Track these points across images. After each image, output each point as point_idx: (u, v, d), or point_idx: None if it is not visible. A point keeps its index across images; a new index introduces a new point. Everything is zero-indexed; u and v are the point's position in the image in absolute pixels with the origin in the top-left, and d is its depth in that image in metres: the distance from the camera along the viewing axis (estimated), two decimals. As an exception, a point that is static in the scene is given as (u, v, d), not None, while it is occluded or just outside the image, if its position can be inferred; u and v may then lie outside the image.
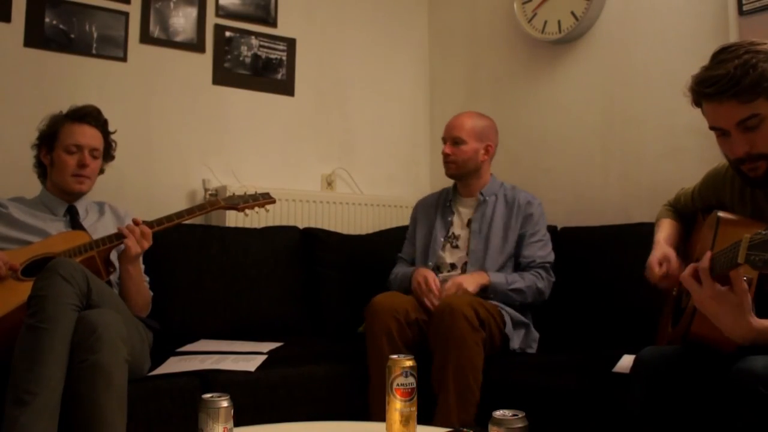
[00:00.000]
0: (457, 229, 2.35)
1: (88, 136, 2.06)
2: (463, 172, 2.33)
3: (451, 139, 2.31)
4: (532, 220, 2.27)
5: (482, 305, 2.01)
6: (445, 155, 2.32)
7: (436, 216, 2.40)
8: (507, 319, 2.09)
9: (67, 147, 2.03)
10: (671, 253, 1.60)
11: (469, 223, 2.32)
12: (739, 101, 1.27)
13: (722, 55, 1.30)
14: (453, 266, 2.29)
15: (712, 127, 1.36)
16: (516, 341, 2.11)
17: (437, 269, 2.30)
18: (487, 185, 2.35)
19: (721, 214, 1.43)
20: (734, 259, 1.10)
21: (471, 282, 2.11)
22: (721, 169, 1.57)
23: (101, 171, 2.16)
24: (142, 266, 2.05)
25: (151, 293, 2.08)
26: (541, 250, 2.25)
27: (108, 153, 2.16)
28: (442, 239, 2.34)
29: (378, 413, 1.86)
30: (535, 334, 2.19)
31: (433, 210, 2.43)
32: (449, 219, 2.37)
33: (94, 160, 2.07)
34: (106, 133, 2.14)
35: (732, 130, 1.31)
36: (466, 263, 2.26)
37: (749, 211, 1.45)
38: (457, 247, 2.31)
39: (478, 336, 1.92)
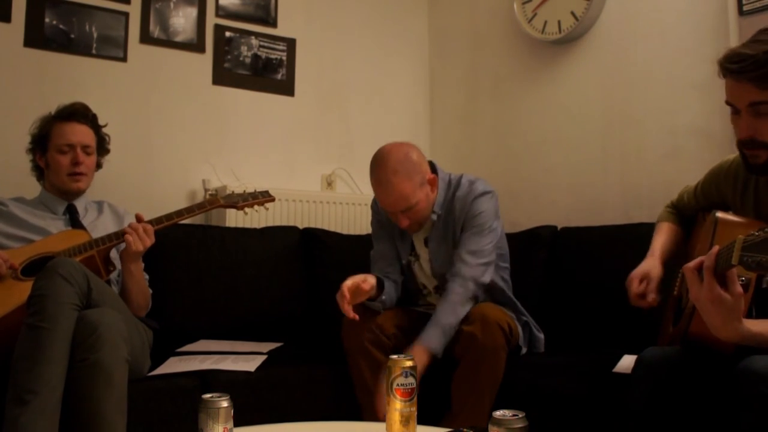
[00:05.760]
0: (418, 247, 2.17)
1: (78, 133, 2.07)
2: (425, 220, 2.10)
3: (401, 211, 2.01)
4: (473, 216, 2.06)
5: (510, 318, 1.99)
6: (407, 227, 2.06)
7: (393, 226, 2.17)
8: (519, 329, 2.05)
9: (59, 147, 2.05)
10: (655, 272, 1.61)
11: (426, 242, 2.15)
12: (756, 85, 1.27)
13: (761, 35, 1.29)
14: (437, 288, 2.16)
15: (727, 102, 1.36)
16: (524, 347, 2.08)
17: (419, 291, 2.21)
18: (436, 200, 2.10)
19: (719, 214, 1.43)
20: (728, 260, 1.09)
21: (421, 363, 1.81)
22: (724, 164, 1.57)
23: (99, 166, 2.17)
24: (142, 264, 2.04)
25: (150, 291, 2.08)
26: (472, 243, 2.02)
27: (102, 147, 2.17)
28: (411, 257, 2.18)
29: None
30: (540, 336, 2.15)
31: (387, 220, 2.18)
32: (409, 234, 2.17)
33: (88, 156, 2.09)
34: (96, 128, 2.15)
35: (743, 110, 1.31)
36: (437, 287, 2.16)
37: (752, 204, 1.45)
38: (421, 268, 2.18)
39: (506, 349, 1.90)
